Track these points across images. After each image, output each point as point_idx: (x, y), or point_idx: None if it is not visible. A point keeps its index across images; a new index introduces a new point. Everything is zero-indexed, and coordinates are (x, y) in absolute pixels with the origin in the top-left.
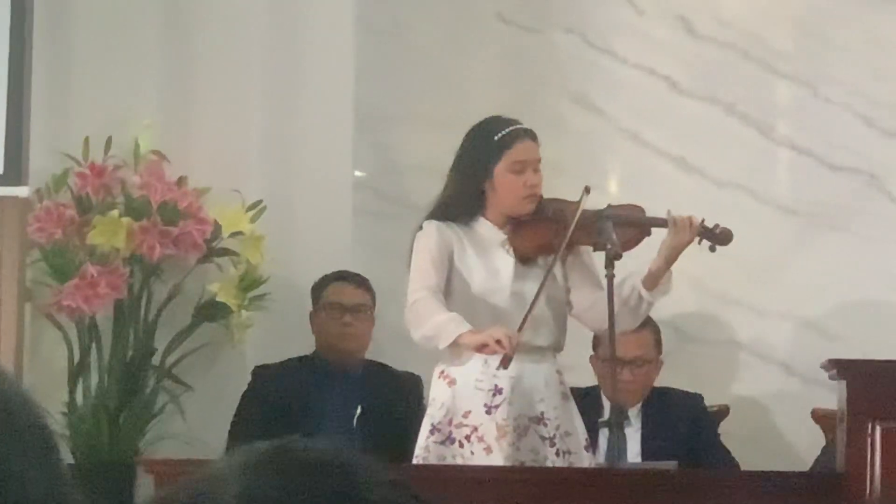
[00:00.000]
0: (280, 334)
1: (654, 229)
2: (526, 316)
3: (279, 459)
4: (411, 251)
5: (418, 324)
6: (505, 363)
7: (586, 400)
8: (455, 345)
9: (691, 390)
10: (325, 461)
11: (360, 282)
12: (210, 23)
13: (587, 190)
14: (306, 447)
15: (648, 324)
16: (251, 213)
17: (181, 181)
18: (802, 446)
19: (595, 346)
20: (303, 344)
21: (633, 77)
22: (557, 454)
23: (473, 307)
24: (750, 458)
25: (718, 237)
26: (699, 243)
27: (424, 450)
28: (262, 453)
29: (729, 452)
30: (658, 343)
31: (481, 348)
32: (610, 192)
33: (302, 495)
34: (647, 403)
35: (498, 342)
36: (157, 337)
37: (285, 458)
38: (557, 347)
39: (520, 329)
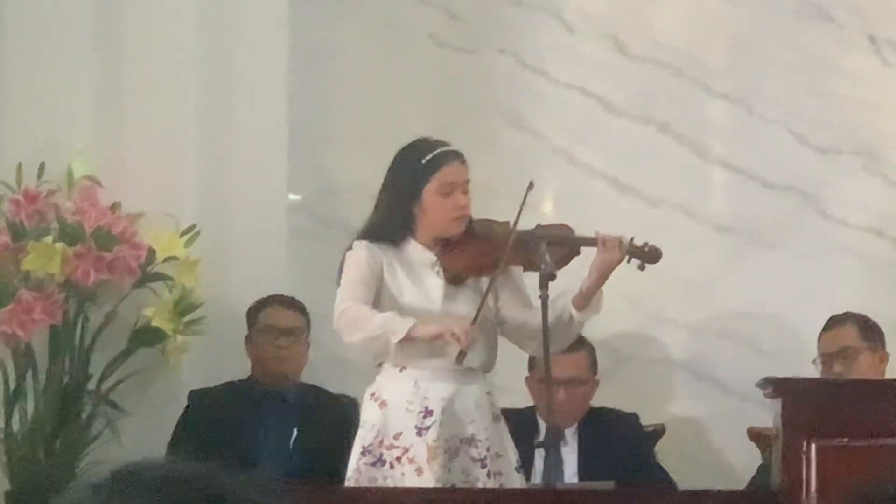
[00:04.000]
0: (216, 358)
1: (583, 248)
2: (477, 314)
3: (140, 477)
4: (341, 269)
5: (356, 328)
6: (461, 358)
7: (522, 421)
8: (407, 339)
9: (627, 410)
10: (186, 475)
11: (295, 305)
12: (143, 47)
13: (531, 185)
14: (165, 464)
15: (584, 344)
16: (185, 237)
17: (115, 206)
18: (739, 465)
19: (531, 367)
20: (239, 368)
21: (567, 96)
22: (489, 475)
23: (410, 318)
24: (686, 476)
25: (647, 255)
26: (628, 262)
27: (356, 471)
28: (120, 473)
29: (665, 472)
30: (594, 363)
31: (436, 338)
32: (544, 212)
33: None
34: (583, 423)
35: (454, 336)
36: (92, 362)
37: (145, 475)
38: (488, 368)
39: (473, 322)
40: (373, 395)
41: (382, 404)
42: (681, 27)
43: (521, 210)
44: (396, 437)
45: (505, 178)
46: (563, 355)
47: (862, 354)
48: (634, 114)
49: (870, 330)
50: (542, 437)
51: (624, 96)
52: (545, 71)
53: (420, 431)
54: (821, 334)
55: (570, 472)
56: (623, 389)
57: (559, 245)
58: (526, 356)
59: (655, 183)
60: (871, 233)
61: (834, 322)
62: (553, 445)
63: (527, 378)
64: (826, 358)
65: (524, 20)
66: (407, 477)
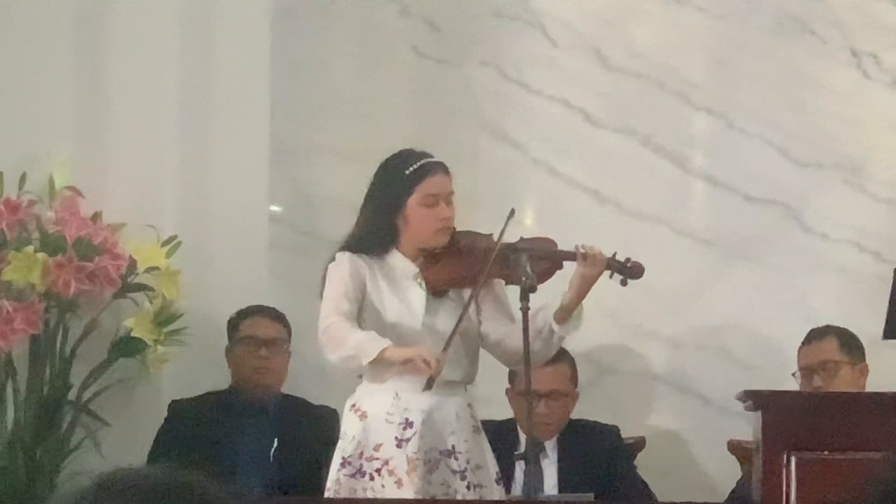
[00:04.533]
0: (196, 369)
1: (566, 263)
2: (449, 340)
3: (119, 484)
4: (323, 281)
5: (335, 346)
6: (430, 384)
7: (502, 433)
8: (378, 361)
9: (608, 422)
10: (171, 483)
11: (275, 316)
12: (124, 58)
13: (512, 213)
14: (149, 472)
15: (564, 357)
16: (166, 247)
17: (96, 217)
18: (719, 477)
19: (511, 380)
20: (219, 378)
21: (548, 109)
22: (468, 487)
23: (385, 338)
24: (667, 489)
25: (630, 271)
26: (611, 277)
27: (336, 483)
28: (105, 481)
29: (646, 484)
30: (574, 376)
31: (406, 363)
32: (525, 225)
33: None
34: (563, 436)
35: (424, 362)
36: (73, 372)
37: (131, 483)
38: (469, 380)
39: (444, 349)
40: (353, 406)
41: (363, 416)
42: (662, 40)
43: (502, 232)
44: (377, 448)
45: (486, 191)
46: (544, 368)
47: (842, 368)
48: (615, 126)
49: (850, 343)
50: (522, 449)
51: (605, 109)
52: (527, 83)
53: (400, 443)
54: (801, 347)
55: (550, 485)
56: (603, 402)
57: (542, 259)
58: (506, 367)
59: (636, 195)
60: (851, 246)
61: (814, 335)
62: (533, 457)
63: (507, 390)
64: (806, 371)
65: (506, 32)
66: (387, 489)
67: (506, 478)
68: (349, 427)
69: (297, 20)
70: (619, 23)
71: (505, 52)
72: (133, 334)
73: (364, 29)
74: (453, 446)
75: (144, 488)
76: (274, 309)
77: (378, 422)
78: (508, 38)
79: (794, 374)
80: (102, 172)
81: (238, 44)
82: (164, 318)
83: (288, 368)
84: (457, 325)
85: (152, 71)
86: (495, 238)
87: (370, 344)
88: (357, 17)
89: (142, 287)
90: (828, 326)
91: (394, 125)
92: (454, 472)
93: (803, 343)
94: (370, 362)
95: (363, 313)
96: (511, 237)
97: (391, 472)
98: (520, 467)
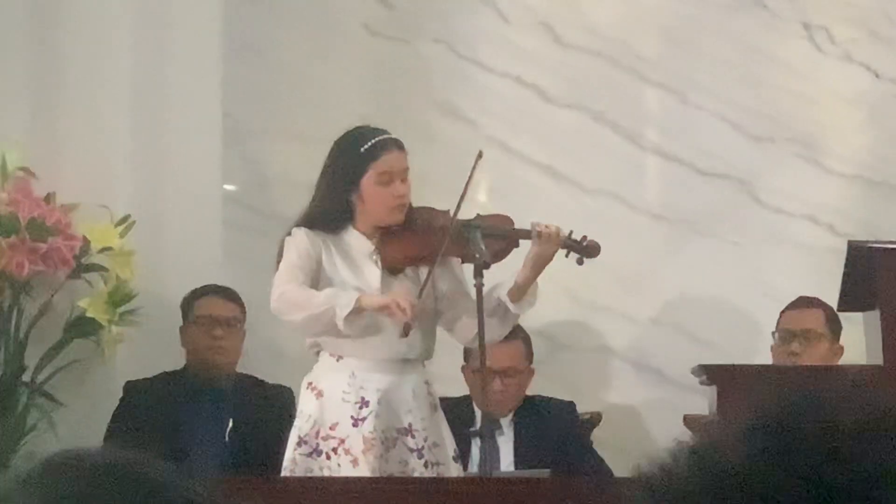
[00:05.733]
0: (151, 349)
1: (522, 241)
2: (422, 289)
3: (70, 466)
4: (279, 256)
5: (297, 307)
6: (406, 330)
7: (458, 410)
8: (355, 312)
9: (564, 398)
10: (120, 462)
11: (230, 295)
12: (76, 38)
13: (480, 154)
14: (99, 452)
15: (519, 334)
16: (120, 228)
17: (49, 198)
18: None
19: (467, 357)
20: (174, 358)
21: (501, 86)
22: (426, 465)
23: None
24: (622, 464)
25: (586, 249)
26: (567, 256)
27: (291, 462)
28: (52, 462)
29: (602, 460)
30: (529, 353)
31: (383, 309)
32: (479, 202)
33: (102, 496)
34: (519, 412)
35: (399, 307)
36: (27, 354)
37: (78, 463)
38: (426, 356)
39: (419, 296)
40: (310, 384)
41: (319, 394)
42: (615, 16)
43: (468, 184)
44: (333, 427)
45: (440, 168)
46: (499, 345)
47: (822, 342)
48: (569, 103)
49: (834, 321)
50: (478, 426)
51: (559, 85)
52: (480, 60)
53: (356, 422)
54: (785, 311)
55: (507, 461)
56: (559, 378)
57: (497, 237)
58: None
59: (591, 172)
60: (806, 220)
61: (803, 303)
62: (488, 434)
63: (463, 367)
64: (785, 334)
65: (458, 10)
66: (343, 468)
67: (462, 455)
68: (305, 406)
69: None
70: None
71: (458, 29)
72: (87, 315)
73: (316, 7)
74: (410, 424)
75: (89, 467)
76: (228, 288)
77: (334, 401)
78: (461, 16)
79: (772, 333)
80: (55, 153)
81: (190, 23)
82: (119, 298)
83: (243, 348)
84: (425, 282)
85: (105, 52)
86: (452, 212)
87: (342, 297)
88: None
89: (96, 267)
90: (817, 299)
91: (347, 104)
92: (411, 450)
93: (789, 307)
94: (349, 317)
95: (318, 288)
96: (467, 214)
97: (347, 451)
98: (476, 444)
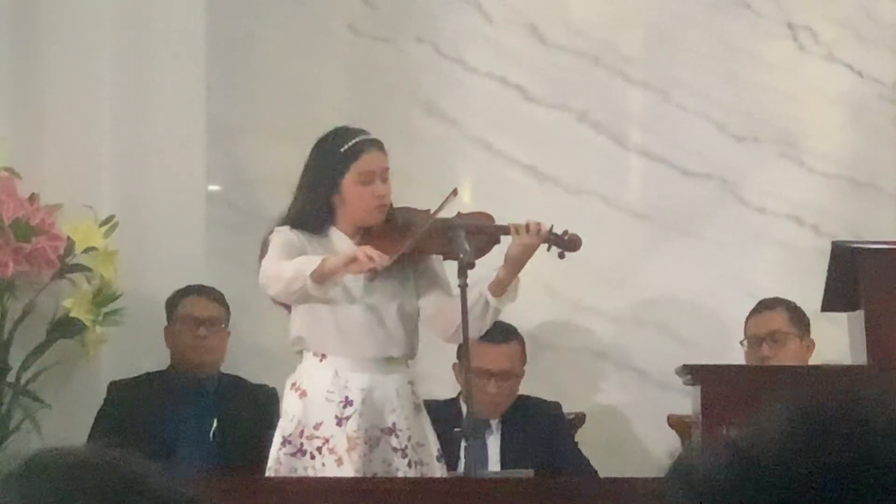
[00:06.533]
0: (135, 349)
1: (503, 237)
2: (407, 248)
3: (52, 464)
4: (263, 253)
5: (274, 279)
6: (371, 273)
7: (446, 411)
8: (321, 274)
9: (547, 398)
10: (100, 461)
11: (214, 295)
12: (60, 37)
13: (454, 192)
14: (79, 450)
15: (517, 336)
16: (104, 228)
17: (33, 198)
18: (659, 452)
19: (459, 355)
20: (158, 358)
21: (484, 85)
22: (410, 465)
23: (323, 316)
24: (607, 464)
25: (567, 243)
26: (548, 250)
27: (276, 461)
28: (33, 461)
29: (587, 459)
30: (524, 355)
31: (350, 262)
32: (462, 201)
33: (84, 495)
34: (507, 413)
35: (367, 256)
36: (11, 354)
37: (59, 461)
38: (410, 356)
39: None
40: (294, 384)
41: (303, 394)
42: (598, 15)
43: (440, 208)
44: (317, 427)
45: (423, 168)
46: (497, 347)
47: (790, 340)
48: (552, 102)
49: (799, 317)
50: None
51: (542, 85)
52: (463, 60)
53: (340, 422)
54: (750, 317)
55: (493, 461)
56: (543, 378)
57: (479, 234)
58: (449, 344)
59: (573, 171)
60: (789, 220)
61: (764, 306)
62: (477, 434)
63: (454, 365)
64: (754, 340)
65: (441, 9)
66: (327, 467)
67: (450, 455)
68: (289, 406)
69: None
70: None
71: (441, 28)
72: (71, 315)
73: (299, 6)
74: (394, 424)
75: (70, 466)
76: (212, 288)
77: (318, 400)
78: (444, 15)
79: (741, 343)
80: (39, 153)
81: (173, 22)
82: (103, 298)
83: (226, 348)
84: (404, 252)
85: (88, 51)
86: (432, 213)
87: (306, 261)
88: None
89: (80, 268)
90: (777, 298)
91: (330, 103)
92: (395, 449)
93: (752, 312)
94: (315, 276)
95: None
96: (449, 213)
97: (331, 451)
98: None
